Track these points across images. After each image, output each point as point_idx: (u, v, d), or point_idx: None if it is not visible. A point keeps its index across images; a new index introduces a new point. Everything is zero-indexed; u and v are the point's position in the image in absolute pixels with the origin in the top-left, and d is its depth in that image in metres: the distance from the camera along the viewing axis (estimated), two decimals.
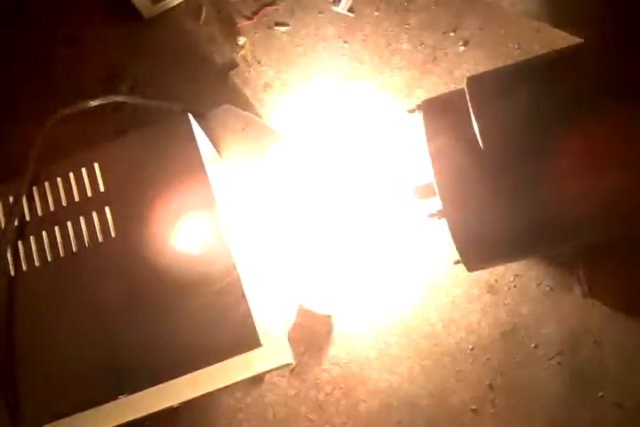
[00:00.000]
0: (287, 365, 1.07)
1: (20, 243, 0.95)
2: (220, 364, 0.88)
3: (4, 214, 0.96)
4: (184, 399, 1.00)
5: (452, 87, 1.19)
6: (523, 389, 1.10)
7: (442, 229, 0.92)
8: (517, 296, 1.12)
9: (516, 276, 1.13)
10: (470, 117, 0.88)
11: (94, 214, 0.94)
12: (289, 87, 1.23)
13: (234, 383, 1.01)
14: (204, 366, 0.87)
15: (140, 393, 0.88)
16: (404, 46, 1.22)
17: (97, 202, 0.94)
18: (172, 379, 0.87)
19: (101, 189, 0.95)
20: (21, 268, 0.93)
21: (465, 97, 0.90)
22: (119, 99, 1.13)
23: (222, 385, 1.00)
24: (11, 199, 0.96)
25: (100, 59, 1.28)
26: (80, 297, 0.91)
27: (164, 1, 1.26)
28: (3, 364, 0.89)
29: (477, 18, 1.22)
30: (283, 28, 1.25)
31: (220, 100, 1.19)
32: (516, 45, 1.20)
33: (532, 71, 0.93)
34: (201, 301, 0.88)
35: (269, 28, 1.26)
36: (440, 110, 0.96)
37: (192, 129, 0.95)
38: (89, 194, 0.95)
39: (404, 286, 1.14)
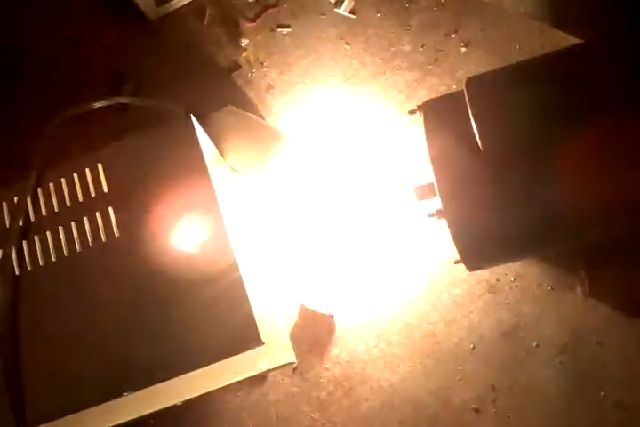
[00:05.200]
0: (289, 364, 1.07)
1: (24, 243, 0.95)
2: (223, 362, 0.88)
3: (9, 215, 0.97)
4: (187, 398, 1.01)
5: (454, 88, 1.19)
6: (524, 388, 1.10)
7: (442, 229, 0.93)
8: (519, 296, 1.12)
9: (518, 275, 1.13)
10: (470, 118, 0.89)
11: (98, 215, 0.94)
12: (291, 89, 1.24)
13: (236, 382, 1.02)
14: (206, 365, 0.87)
15: (143, 391, 0.89)
16: (406, 48, 1.23)
17: (100, 202, 0.95)
18: (174, 377, 0.88)
19: (105, 189, 0.96)
20: (26, 267, 0.94)
21: (465, 98, 0.91)
22: (123, 100, 1.13)
23: (225, 384, 1.01)
24: (15, 200, 0.97)
25: (103, 60, 1.28)
26: (84, 296, 0.92)
27: (168, 3, 1.27)
28: (7, 362, 0.90)
29: (479, 19, 1.22)
30: (285, 30, 1.26)
31: (223, 102, 1.19)
32: (518, 46, 1.20)
33: (532, 72, 0.93)
34: (203, 300, 0.88)
35: (272, 30, 1.26)
36: (441, 111, 0.96)
37: (195, 130, 0.96)
38: (92, 195, 0.96)
39: (405, 285, 1.15)
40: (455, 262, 0.96)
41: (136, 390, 0.88)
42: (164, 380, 0.88)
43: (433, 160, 0.92)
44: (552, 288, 1.12)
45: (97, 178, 0.96)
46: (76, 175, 0.97)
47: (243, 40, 1.27)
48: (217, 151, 1.11)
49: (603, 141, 0.86)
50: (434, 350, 1.13)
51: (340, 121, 1.21)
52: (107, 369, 0.88)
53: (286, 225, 1.18)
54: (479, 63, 1.20)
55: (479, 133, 0.88)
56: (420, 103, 0.98)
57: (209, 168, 0.94)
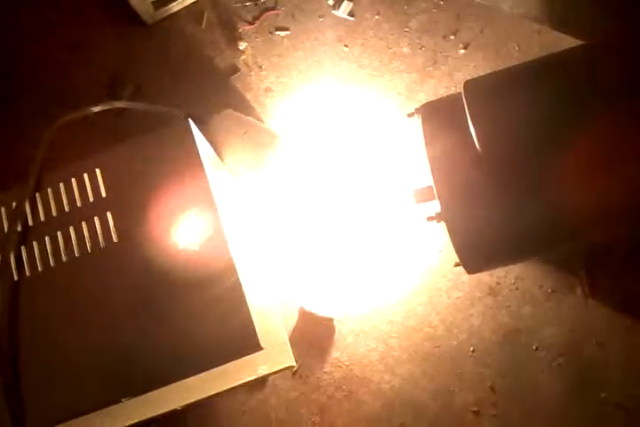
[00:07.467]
0: (289, 367, 1.07)
1: (23, 248, 0.95)
2: (222, 367, 0.88)
3: (8, 220, 0.97)
4: (187, 402, 1.01)
5: (453, 90, 1.19)
6: (524, 390, 1.10)
7: (441, 231, 0.92)
8: (519, 298, 1.12)
9: (518, 278, 1.13)
10: (468, 121, 0.89)
11: (96, 219, 0.94)
12: (290, 91, 1.24)
13: (236, 386, 1.02)
14: (206, 370, 0.87)
15: (144, 396, 0.89)
16: (405, 50, 1.23)
17: (99, 207, 0.95)
18: (173, 382, 0.88)
19: (103, 194, 0.96)
20: (24, 273, 0.94)
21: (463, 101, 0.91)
22: (121, 104, 1.13)
23: (225, 388, 1.01)
24: (14, 205, 0.96)
25: (102, 64, 1.29)
26: (82, 302, 0.91)
27: (165, 7, 1.27)
28: (6, 367, 0.90)
29: (477, 21, 1.22)
30: (283, 33, 1.26)
31: (222, 105, 1.19)
32: (517, 48, 1.20)
33: (530, 74, 0.93)
34: (202, 304, 0.88)
35: (270, 32, 1.26)
36: (439, 114, 0.96)
37: (193, 134, 0.96)
38: (91, 199, 0.96)
39: (404, 288, 1.15)
40: (455, 266, 0.96)
41: (137, 395, 0.88)
42: (164, 385, 0.87)
43: (431, 163, 0.91)
44: (552, 290, 1.12)
45: (95, 183, 0.96)
46: (74, 180, 0.97)
47: (241, 43, 1.26)
48: (216, 154, 1.11)
49: (600, 143, 0.86)
50: (434, 353, 1.13)
51: (338, 123, 1.21)
52: (106, 375, 0.88)
53: (286, 228, 1.18)
54: (478, 65, 1.20)
55: (477, 136, 0.88)
56: (419, 106, 0.98)
57: (207, 171, 0.94)
